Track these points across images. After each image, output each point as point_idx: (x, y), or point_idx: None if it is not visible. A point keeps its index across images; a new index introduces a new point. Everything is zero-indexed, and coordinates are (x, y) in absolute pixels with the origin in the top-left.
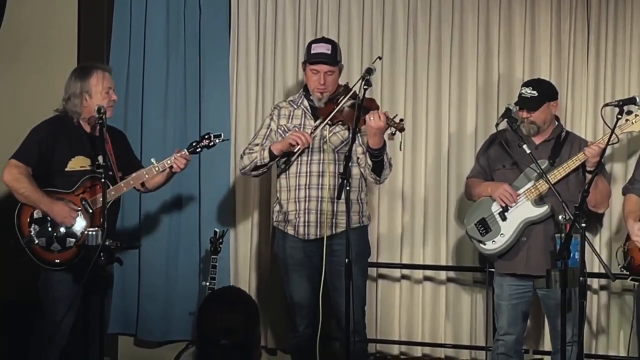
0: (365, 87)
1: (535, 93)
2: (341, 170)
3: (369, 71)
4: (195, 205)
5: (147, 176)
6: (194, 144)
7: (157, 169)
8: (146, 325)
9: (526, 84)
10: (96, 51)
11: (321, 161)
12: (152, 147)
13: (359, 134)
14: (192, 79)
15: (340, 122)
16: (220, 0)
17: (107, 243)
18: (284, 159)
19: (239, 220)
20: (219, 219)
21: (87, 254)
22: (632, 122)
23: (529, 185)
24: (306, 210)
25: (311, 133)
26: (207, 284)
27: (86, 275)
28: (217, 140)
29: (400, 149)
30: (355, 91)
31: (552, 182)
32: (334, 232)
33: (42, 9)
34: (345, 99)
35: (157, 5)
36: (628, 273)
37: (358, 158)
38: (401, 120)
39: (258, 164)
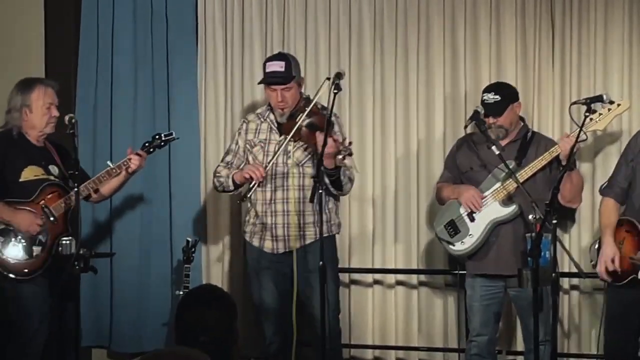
0: (335, 91)
1: (498, 97)
2: (305, 184)
3: (339, 75)
4: (166, 215)
5: (103, 179)
6: (146, 144)
7: (114, 171)
8: (119, 337)
9: (487, 90)
10: (63, 62)
11: (285, 175)
12: (121, 155)
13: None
14: (161, 90)
15: (300, 139)
16: (187, 11)
17: (81, 252)
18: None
19: (210, 230)
20: (191, 229)
21: (61, 264)
22: (597, 121)
23: (497, 185)
24: (273, 225)
25: (265, 167)
26: (181, 293)
27: (60, 285)
28: (168, 139)
29: (357, 171)
30: (316, 105)
31: (520, 182)
32: (302, 244)
33: (7, 20)
34: (303, 117)
35: (124, 17)
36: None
37: None
38: (350, 143)
39: (226, 190)
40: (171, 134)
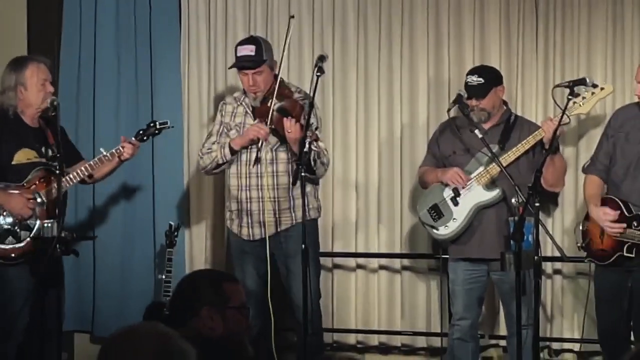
0: (318, 74)
1: (481, 80)
2: (279, 169)
3: (322, 58)
4: (149, 199)
5: (96, 166)
6: (140, 132)
7: (107, 157)
8: (102, 322)
9: (471, 72)
10: (46, 47)
11: (258, 161)
12: (105, 141)
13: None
14: (144, 75)
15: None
16: None
17: (63, 234)
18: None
19: (193, 214)
20: (174, 213)
21: (42, 246)
22: (580, 104)
23: (481, 169)
24: (248, 212)
25: (267, 124)
26: (163, 277)
27: (42, 268)
28: (163, 127)
29: (325, 154)
30: (288, 87)
31: (504, 166)
32: (278, 229)
33: None
34: (274, 100)
35: (106, 1)
36: (585, 253)
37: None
38: (316, 128)
39: (220, 162)
40: (166, 122)
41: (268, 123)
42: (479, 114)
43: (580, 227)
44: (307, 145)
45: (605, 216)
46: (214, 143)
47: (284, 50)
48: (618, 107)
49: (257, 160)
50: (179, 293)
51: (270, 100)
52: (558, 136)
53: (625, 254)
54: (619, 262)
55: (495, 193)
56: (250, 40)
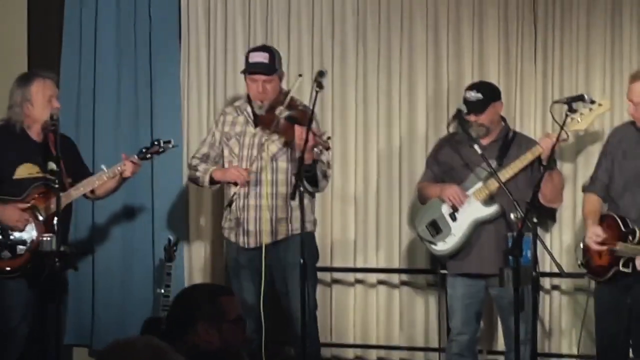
0: (317, 89)
1: (480, 96)
2: (278, 178)
3: (321, 74)
4: (149, 214)
5: (97, 183)
6: (143, 150)
7: (107, 175)
8: (101, 336)
9: (470, 88)
10: (47, 59)
11: (258, 169)
12: (104, 153)
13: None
14: (144, 86)
15: (276, 132)
16: (171, 7)
17: (62, 249)
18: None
19: (192, 228)
20: (172, 227)
21: (42, 260)
22: (578, 121)
23: (479, 185)
24: (245, 220)
25: (248, 170)
26: (162, 291)
27: (41, 282)
28: (167, 147)
29: (329, 167)
30: (294, 99)
31: (502, 181)
32: (274, 239)
33: None
34: (282, 109)
35: (107, 13)
36: (585, 270)
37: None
38: (328, 138)
39: (199, 184)
40: (169, 141)
41: (270, 130)
42: (478, 129)
43: (581, 245)
44: (317, 154)
45: (594, 237)
46: (202, 157)
47: (286, 98)
48: (617, 123)
49: (230, 203)
50: (176, 308)
51: (278, 109)
52: (555, 152)
53: (621, 268)
54: (617, 278)
55: (493, 209)
56: (264, 48)
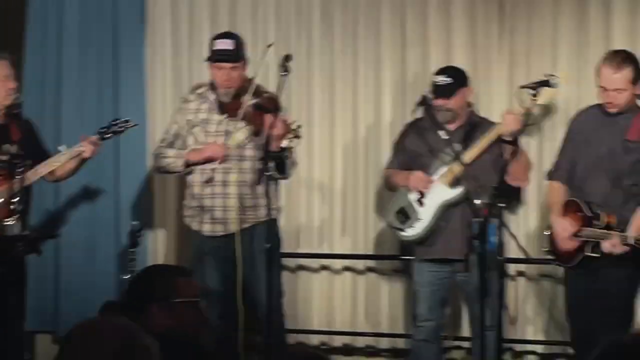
0: (283, 73)
1: (449, 80)
2: (245, 166)
3: (287, 58)
4: (112, 199)
5: (55, 164)
6: (102, 130)
7: (65, 156)
8: (65, 322)
9: (439, 72)
10: (11, 38)
11: (211, 181)
12: (69, 138)
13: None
14: (107, 73)
15: (243, 120)
16: None
17: (25, 233)
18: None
19: (156, 214)
20: (137, 213)
21: (4, 245)
22: (537, 97)
23: (444, 169)
24: (211, 208)
25: (224, 145)
26: (127, 277)
27: (3, 267)
28: (125, 126)
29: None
30: (260, 86)
31: (467, 163)
32: (242, 227)
33: None
34: (249, 96)
35: None
36: (552, 257)
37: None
38: (298, 126)
39: (172, 171)
40: (128, 120)
41: (240, 117)
42: (445, 114)
43: (548, 232)
44: (287, 142)
45: (563, 232)
46: (168, 145)
47: (255, 74)
48: (584, 106)
49: (209, 180)
50: (132, 289)
51: (243, 97)
52: (520, 131)
53: (591, 254)
54: (586, 264)
55: (459, 190)
56: (228, 35)
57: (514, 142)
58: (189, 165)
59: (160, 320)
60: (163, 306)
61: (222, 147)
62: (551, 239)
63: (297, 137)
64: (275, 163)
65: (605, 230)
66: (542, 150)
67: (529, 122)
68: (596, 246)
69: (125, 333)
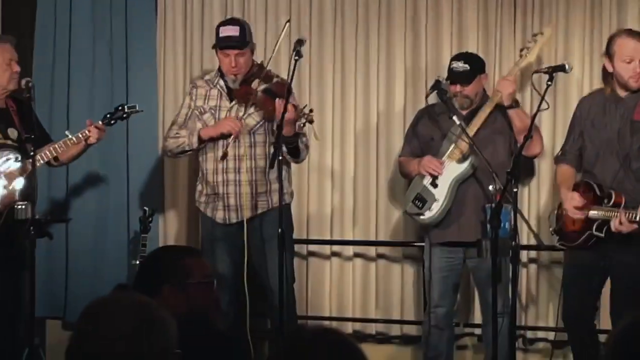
0: (296, 57)
1: (467, 67)
2: (257, 152)
3: (300, 42)
4: (123, 184)
5: (61, 150)
6: (108, 115)
7: (72, 141)
8: (75, 308)
9: (457, 58)
10: (21, 23)
11: (237, 144)
12: (78, 125)
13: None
14: (119, 58)
15: (253, 105)
16: None
17: (37, 217)
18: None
19: (167, 199)
20: (148, 198)
21: (14, 229)
22: (526, 55)
23: (452, 147)
24: (225, 195)
25: (240, 119)
26: (137, 262)
27: (16, 250)
28: (131, 111)
29: (317, 139)
30: (270, 71)
31: (471, 135)
32: (255, 213)
33: None
34: (259, 82)
35: None
36: (558, 237)
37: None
38: (311, 111)
39: (186, 149)
40: (134, 106)
41: (250, 103)
42: (462, 100)
43: (555, 212)
44: (301, 126)
45: (571, 201)
46: (181, 127)
47: (274, 51)
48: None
49: (224, 155)
50: (142, 272)
51: (253, 82)
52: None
53: (594, 232)
54: (590, 244)
55: (467, 163)
56: (233, 21)
57: (516, 105)
58: (202, 141)
59: (173, 302)
60: (175, 288)
61: (237, 122)
62: (558, 218)
63: (310, 121)
64: (288, 148)
65: (612, 208)
66: (555, 134)
67: (544, 109)
68: (602, 225)
69: (144, 307)
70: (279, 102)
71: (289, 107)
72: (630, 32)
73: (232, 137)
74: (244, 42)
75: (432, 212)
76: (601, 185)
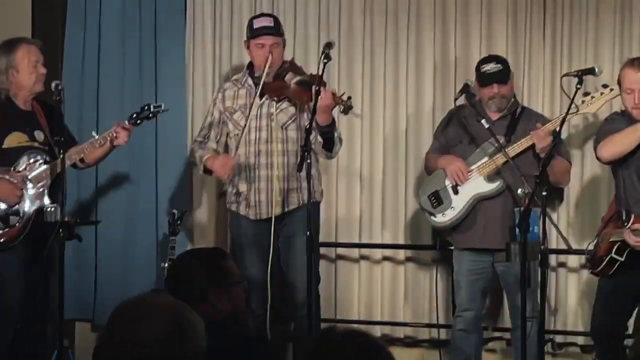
0: (325, 60)
1: (500, 67)
2: (288, 148)
3: (329, 45)
4: (152, 186)
5: (87, 151)
6: (134, 115)
7: (99, 142)
8: (104, 310)
9: (486, 61)
10: (51, 29)
11: (269, 140)
12: (107, 127)
13: (305, 112)
14: (148, 59)
15: (286, 99)
16: None
17: (66, 219)
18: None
19: (196, 201)
20: (176, 200)
21: (42, 231)
22: (588, 104)
23: (485, 160)
24: (256, 190)
25: (232, 160)
26: (166, 265)
27: (46, 252)
28: (157, 111)
29: (356, 115)
30: (295, 64)
31: (511, 157)
32: (285, 209)
33: None
34: (292, 75)
35: None
36: (589, 265)
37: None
38: (349, 97)
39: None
40: (160, 105)
41: (282, 99)
42: (500, 101)
43: (591, 246)
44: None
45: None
46: (202, 139)
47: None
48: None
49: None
50: (175, 279)
51: (285, 76)
52: (554, 144)
53: (613, 255)
54: (616, 272)
55: (496, 184)
56: (266, 14)
57: (547, 159)
58: (207, 171)
59: (218, 306)
60: (222, 290)
61: (229, 164)
62: (596, 246)
63: (349, 107)
64: (323, 139)
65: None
66: (584, 150)
67: (573, 113)
68: (622, 248)
69: (174, 309)
70: (324, 92)
71: (326, 92)
72: (633, 63)
73: (226, 177)
74: (278, 30)
75: (444, 218)
76: (629, 211)
